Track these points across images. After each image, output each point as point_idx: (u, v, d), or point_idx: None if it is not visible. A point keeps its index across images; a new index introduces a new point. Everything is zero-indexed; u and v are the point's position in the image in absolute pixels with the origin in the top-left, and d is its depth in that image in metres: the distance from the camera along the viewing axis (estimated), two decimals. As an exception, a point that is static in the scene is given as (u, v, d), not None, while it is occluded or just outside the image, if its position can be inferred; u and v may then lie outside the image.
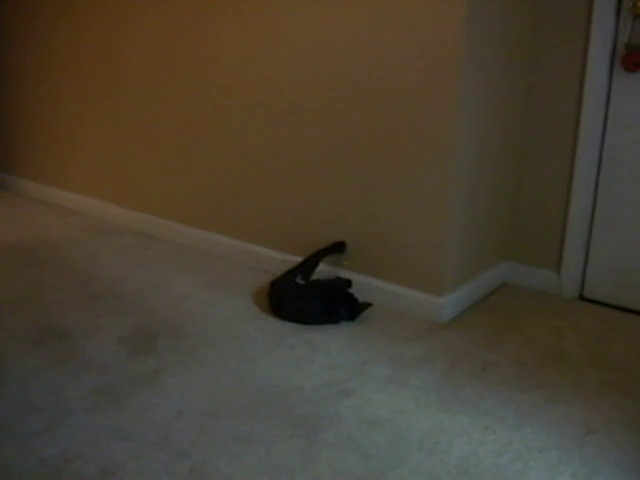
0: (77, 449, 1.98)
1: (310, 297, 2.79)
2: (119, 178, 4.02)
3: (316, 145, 3.02)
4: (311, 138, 3.02)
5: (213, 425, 2.11)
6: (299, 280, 2.88)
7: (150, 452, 1.98)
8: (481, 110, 2.73)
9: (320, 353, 2.54)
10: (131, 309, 2.92)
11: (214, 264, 3.41)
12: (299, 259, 3.07)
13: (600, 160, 2.87)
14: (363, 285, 2.93)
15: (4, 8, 4.57)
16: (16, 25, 4.50)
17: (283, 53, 3.04)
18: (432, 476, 1.88)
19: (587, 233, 2.95)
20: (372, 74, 2.75)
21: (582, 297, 3.01)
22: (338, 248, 3.00)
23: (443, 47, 2.53)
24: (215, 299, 3.02)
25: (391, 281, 2.88)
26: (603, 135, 2.84)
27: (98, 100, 4.01)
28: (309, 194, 3.10)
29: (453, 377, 2.38)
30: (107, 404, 2.21)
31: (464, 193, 2.75)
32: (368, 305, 2.79)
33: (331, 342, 2.62)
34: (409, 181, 2.75)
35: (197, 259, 3.48)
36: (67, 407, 2.19)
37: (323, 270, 3.02)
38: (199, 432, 2.07)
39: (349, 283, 2.91)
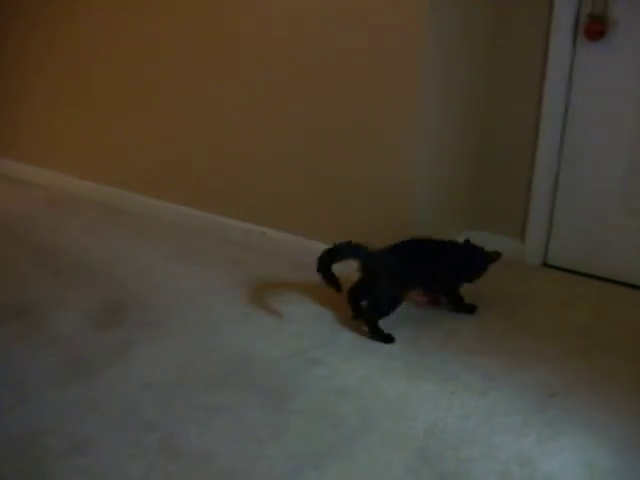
0: (45, 424, 1.97)
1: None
2: (83, 151, 3.95)
3: (278, 111, 2.99)
4: (274, 104, 3.00)
5: (182, 396, 2.11)
6: None
7: (119, 424, 1.98)
8: (444, 87, 2.74)
9: (287, 323, 2.55)
10: (97, 282, 2.89)
11: (180, 236, 3.38)
12: (262, 229, 3.07)
13: (564, 128, 2.89)
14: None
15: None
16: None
17: (246, 19, 2.99)
18: (400, 442, 1.91)
19: (551, 201, 2.99)
20: (336, 36, 2.73)
21: (546, 264, 3.06)
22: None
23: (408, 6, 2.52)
24: (182, 271, 3.00)
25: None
26: (567, 103, 2.86)
27: (59, 68, 3.91)
28: (270, 163, 3.08)
29: (419, 345, 2.41)
30: (74, 378, 2.20)
31: (428, 164, 2.76)
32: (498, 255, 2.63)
33: (298, 311, 2.63)
34: (373, 152, 2.75)
35: (163, 231, 3.45)
36: (34, 382, 2.17)
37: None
38: (168, 403, 2.08)
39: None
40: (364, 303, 2.54)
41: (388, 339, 2.43)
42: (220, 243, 3.27)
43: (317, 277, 2.86)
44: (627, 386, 2.19)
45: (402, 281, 2.47)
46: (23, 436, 1.92)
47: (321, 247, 2.95)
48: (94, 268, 3.03)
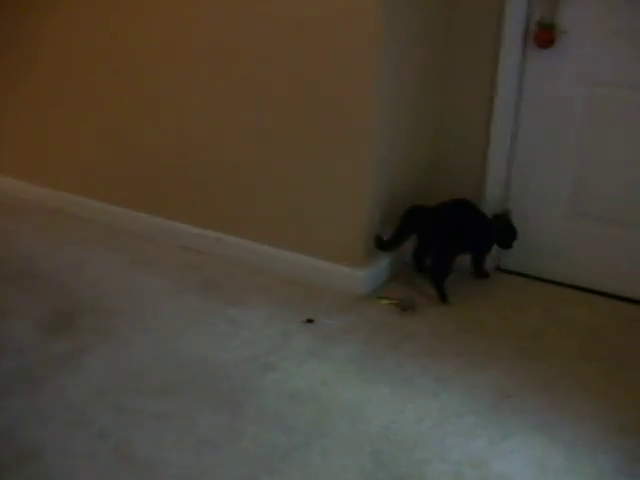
0: (-8, 434, 1.93)
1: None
2: (33, 155, 3.88)
3: (231, 117, 2.98)
4: (227, 110, 2.98)
5: (135, 403, 2.09)
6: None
7: (70, 433, 1.95)
8: (397, 95, 2.77)
9: (241, 328, 2.54)
10: (48, 289, 2.83)
11: (133, 241, 3.34)
12: (217, 234, 3.07)
13: (514, 135, 2.94)
14: (281, 258, 2.94)
15: None
16: None
17: (196, 24, 2.98)
18: (354, 445, 1.92)
19: (502, 206, 3.03)
20: (289, 33, 2.74)
21: (499, 268, 3.10)
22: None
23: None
24: (134, 277, 2.96)
25: (310, 254, 2.89)
26: (517, 110, 2.91)
27: (4, 70, 3.83)
28: (225, 168, 3.07)
29: (373, 348, 2.43)
30: (24, 387, 2.15)
31: (382, 173, 2.79)
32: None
33: (252, 317, 2.62)
34: (329, 157, 2.76)
35: (115, 237, 3.39)
36: (-19, 392, 2.12)
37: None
38: (121, 411, 2.05)
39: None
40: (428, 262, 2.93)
41: (446, 299, 2.76)
42: (175, 249, 3.23)
43: (271, 281, 2.88)
44: (577, 387, 2.23)
45: (454, 247, 2.86)
46: (-31, 447, 1.88)
47: (277, 253, 2.97)
48: (45, 275, 2.97)
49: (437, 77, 2.99)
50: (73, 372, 2.24)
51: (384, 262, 2.92)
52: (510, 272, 3.07)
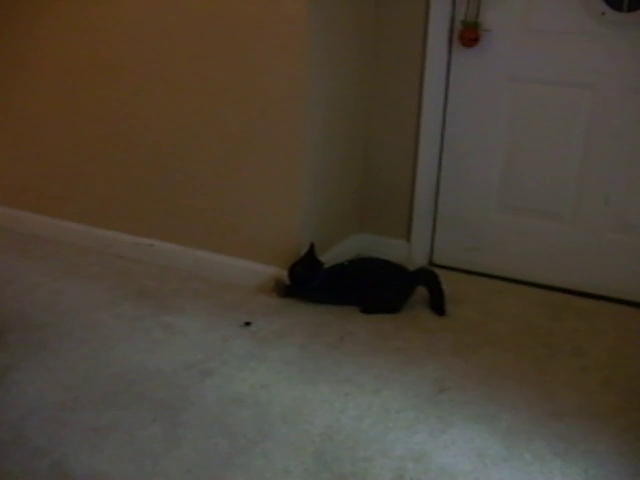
0: None
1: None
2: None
3: (161, 121, 2.94)
4: (153, 115, 2.95)
5: (71, 418, 2.03)
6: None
7: (4, 453, 1.88)
8: (326, 99, 2.78)
9: (178, 335, 2.51)
10: (-26, 304, 2.74)
11: (63, 251, 3.25)
12: (150, 241, 3.02)
13: (443, 132, 2.99)
14: (216, 263, 2.92)
15: None
16: None
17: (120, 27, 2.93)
18: (297, 447, 1.92)
19: (433, 203, 3.08)
20: (221, 47, 2.72)
21: (432, 263, 3.15)
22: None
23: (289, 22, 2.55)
24: (66, 288, 2.89)
25: (245, 257, 2.88)
26: (445, 108, 2.96)
27: None
28: (157, 175, 3.02)
29: (312, 349, 2.43)
30: (-49, 407, 2.07)
31: (315, 174, 2.80)
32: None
33: (188, 323, 2.59)
34: (259, 159, 2.75)
35: (45, 247, 3.30)
36: None
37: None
38: (56, 427, 1.99)
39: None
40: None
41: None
42: (107, 257, 3.16)
43: (207, 286, 2.86)
44: (513, 377, 2.29)
45: None
46: None
47: (211, 257, 2.94)
48: (-30, 289, 2.87)
49: (367, 76, 3.01)
50: (4, 390, 2.16)
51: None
52: (444, 267, 3.11)
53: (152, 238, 3.07)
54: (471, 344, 2.49)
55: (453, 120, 2.97)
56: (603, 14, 2.63)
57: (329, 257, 2.97)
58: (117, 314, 2.66)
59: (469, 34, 2.80)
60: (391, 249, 2.99)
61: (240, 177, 2.83)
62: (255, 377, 2.25)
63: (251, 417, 2.04)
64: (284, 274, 2.74)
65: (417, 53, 2.91)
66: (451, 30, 2.85)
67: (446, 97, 2.95)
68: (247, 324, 2.56)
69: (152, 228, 3.08)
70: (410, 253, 3.13)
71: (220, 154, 2.85)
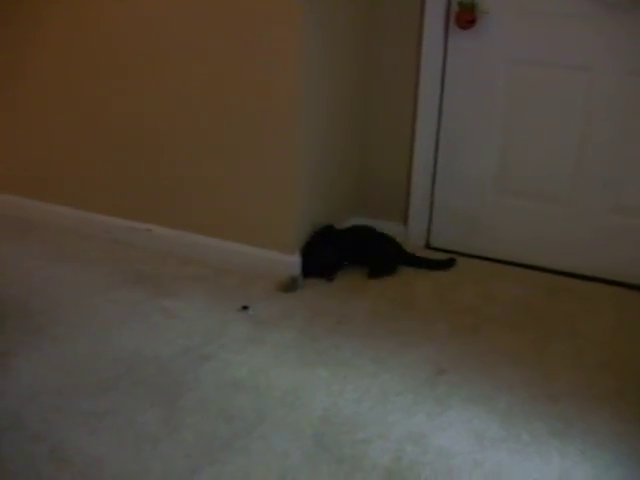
0: None
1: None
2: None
3: (160, 109, 2.93)
4: (153, 102, 2.94)
5: (70, 403, 2.04)
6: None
7: (4, 439, 1.88)
8: (326, 80, 2.77)
9: (176, 320, 2.51)
10: (-30, 290, 2.74)
11: (61, 237, 3.24)
12: (148, 226, 3.02)
13: (440, 115, 2.98)
14: (214, 247, 2.92)
15: None
16: None
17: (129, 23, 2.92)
18: (295, 430, 1.93)
19: (430, 186, 3.08)
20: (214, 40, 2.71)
21: (428, 246, 3.15)
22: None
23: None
24: (63, 273, 2.89)
25: (243, 242, 2.87)
26: (442, 90, 2.95)
27: None
28: (154, 159, 3.02)
29: (310, 332, 2.43)
30: (-49, 394, 2.08)
31: (313, 160, 2.79)
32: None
33: (187, 308, 2.59)
34: (257, 143, 2.74)
35: (42, 233, 3.29)
36: None
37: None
38: (55, 412, 2.00)
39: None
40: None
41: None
42: (105, 243, 3.16)
43: (205, 270, 2.86)
44: (510, 358, 2.30)
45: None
46: None
47: (209, 242, 2.94)
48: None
49: (364, 61, 3.00)
50: (2, 376, 2.16)
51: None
52: (440, 250, 3.11)
53: (150, 223, 3.06)
54: (469, 326, 2.50)
55: (450, 103, 2.96)
56: (600, -5, 2.62)
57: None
58: (115, 299, 2.66)
59: (466, 16, 2.78)
60: (388, 232, 2.98)
61: (238, 162, 2.82)
62: (253, 361, 2.25)
63: (250, 401, 2.05)
64: (298, 270, 2.78)
65: (413, 35, 2.90)
66: (448, 12, 2.84)
67: (443, 79, 2.94)
68: (245, 308, 2.56)
69: (150, 213, 3.08)
70: (407, 236, 3.13)
71: (218, 140, 2.84)
